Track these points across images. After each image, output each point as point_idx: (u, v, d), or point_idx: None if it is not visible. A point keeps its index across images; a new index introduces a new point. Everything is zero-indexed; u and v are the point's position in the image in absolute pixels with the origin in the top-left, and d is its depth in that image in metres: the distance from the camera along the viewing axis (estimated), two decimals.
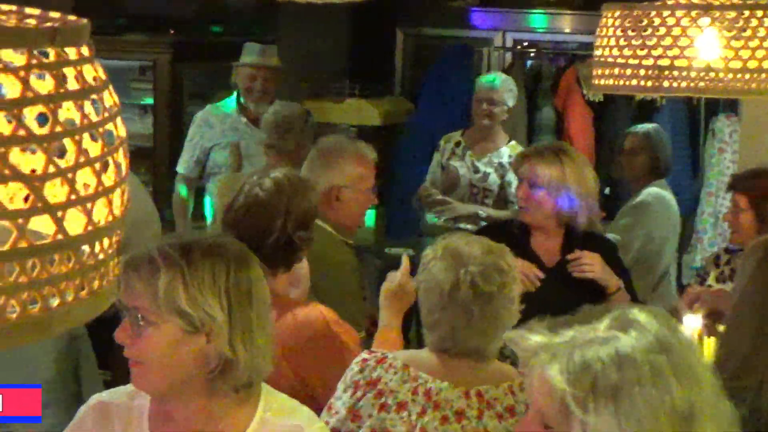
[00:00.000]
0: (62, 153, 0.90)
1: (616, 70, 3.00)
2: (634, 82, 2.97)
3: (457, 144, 5.55)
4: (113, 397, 2.17)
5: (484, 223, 5.09)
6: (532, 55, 6.72)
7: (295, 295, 3.17)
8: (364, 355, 2.61)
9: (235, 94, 5.57)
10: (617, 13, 2.99)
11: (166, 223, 6.39)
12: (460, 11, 7.18)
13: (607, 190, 6.26)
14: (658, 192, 5.03)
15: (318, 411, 2.27)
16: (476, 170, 5.45)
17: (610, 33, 3.00)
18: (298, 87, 5.75)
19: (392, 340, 2.95)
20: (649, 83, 2.93)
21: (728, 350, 2.27)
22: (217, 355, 1.97)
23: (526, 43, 7.00)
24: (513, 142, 5.56)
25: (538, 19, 7.04)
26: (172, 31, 6.50)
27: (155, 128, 6.31)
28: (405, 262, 3.05)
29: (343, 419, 2.52)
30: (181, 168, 5.54)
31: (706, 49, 2.86)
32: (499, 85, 5.43)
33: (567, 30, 6.94)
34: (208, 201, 5.39)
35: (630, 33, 2.94)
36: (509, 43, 6.95)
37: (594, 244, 3.89)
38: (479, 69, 6.77)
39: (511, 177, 4.99)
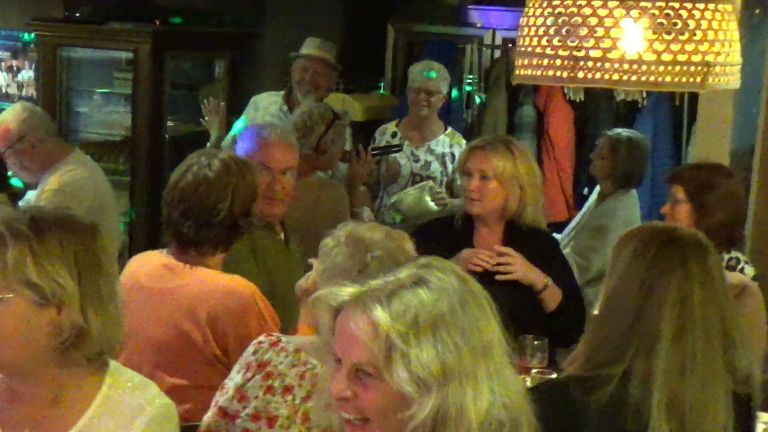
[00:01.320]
0: None
1: (535, 61, 2.97)
2: (551, 72, 2.93)
3: (393, 135, 5.55)
4: None
5: None
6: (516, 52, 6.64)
7: None
8: (261, 337, 2.63)
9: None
10: (537, 3, 2.96)
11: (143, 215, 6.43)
12: (452, 9, 7.14)
13: (585, 191, 6.22)
14: (615, 210, 5.02)
15: None
16: (416, 159, 5.47)
17: (531, 23, 2.98)
18: (285, 80, 5.75)
19: (304, 333, 2.96)
20: (565, 74, 2.90)
21: (600, 339, 2.24)
22: (69, 325, 1.97)
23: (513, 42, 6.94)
24: (450, 129, 5.61)
25: None
26: (157, 22, 6.51)
27: (134, 118, 6.32)
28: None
29: (230, 399, 2.54)
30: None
31: (621, 41, 2.82)
32: (436, 75, 5.46)
33: None
34: None
35: (548, 23, 2.91)
36: (498, 42, 6.90)
37: (536, 240, 3.86)
38: (463, 66, 6.74)
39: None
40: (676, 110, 6.20)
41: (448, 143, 5.46)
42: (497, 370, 1.75)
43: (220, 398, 2.57)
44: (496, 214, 3.85)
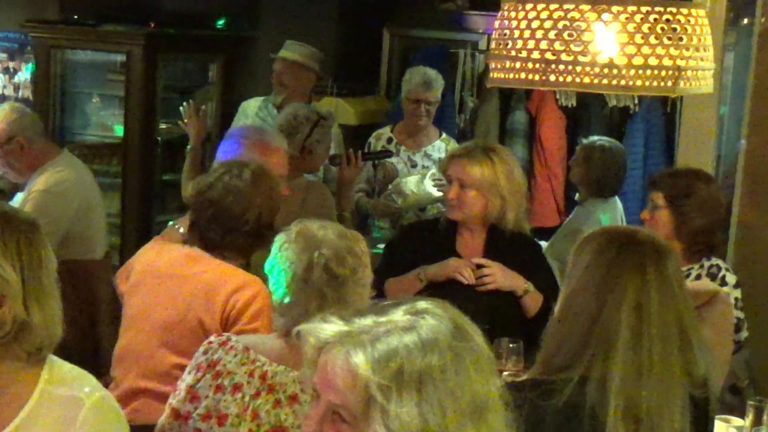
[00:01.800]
0: None
1: (507, 63, 2.97)
2: (522, 75, 2.94)
3: (389, 140, 5.55)
4: None
5: None
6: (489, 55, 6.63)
7: None
8: (212, 337, 2.65)
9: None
10: (511, 6, 2.96)
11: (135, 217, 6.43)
12: (448, 14, 7.13)
13: (576, 197, 6.20)
14: (589, 215, 5.06)
15: None
16: (413, 164, 5.48)
17: (505, 26, 2.98)
18: None
19: None
20: (536, 77, 2.90)
21: (558, 343, 2.23)
22: (12, 318, 1.98)
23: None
24: (444, 135, 5.62)
25: None
26: (152, 24, 6.52)
27: (126, 120, 6.33)
28: None
29: (182, 400, 2.55)
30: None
31: (592, 44, 2.83)
32: (434, 84, 5.46)
33: None
34: None
35: (521, 26, 2.92)
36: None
37: (519, 245, 3.87)
38: (455, 70, 6.73)
39: None
40: (669, 117, 6.19)
41: (444, 148, 5.47)
42: None
43: (173, 400, 2.58)
44: (477, 220, 3.86)
